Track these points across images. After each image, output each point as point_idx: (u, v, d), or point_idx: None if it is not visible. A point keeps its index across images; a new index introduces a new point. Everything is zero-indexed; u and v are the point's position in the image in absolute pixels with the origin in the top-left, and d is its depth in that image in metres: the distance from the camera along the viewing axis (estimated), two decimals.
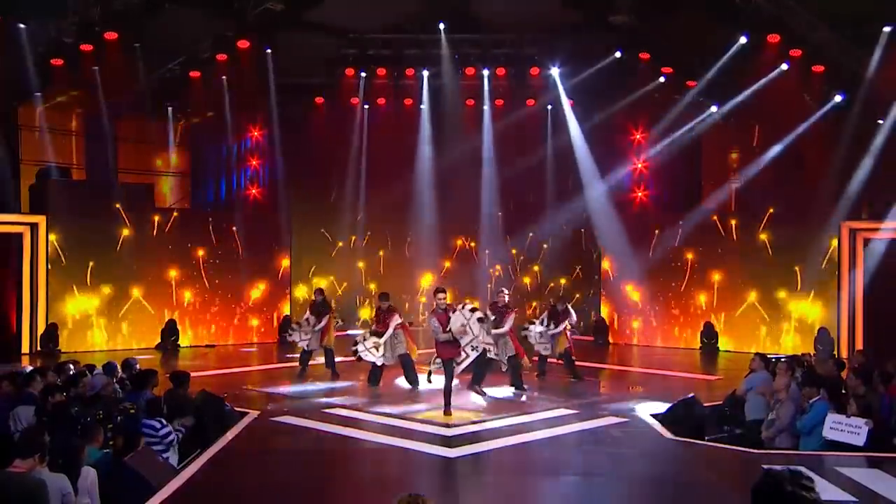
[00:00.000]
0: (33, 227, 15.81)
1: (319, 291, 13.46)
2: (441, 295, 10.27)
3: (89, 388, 8.69)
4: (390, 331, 11.88)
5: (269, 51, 17.44)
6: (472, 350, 10.24)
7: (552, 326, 12.83)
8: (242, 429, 9.10)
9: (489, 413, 10.29)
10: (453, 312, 10.29)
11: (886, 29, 14.33)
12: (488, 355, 11.08)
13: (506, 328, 11.72)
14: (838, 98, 15.86)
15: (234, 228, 17.95)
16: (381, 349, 11.87)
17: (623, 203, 19.24)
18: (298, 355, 13.46)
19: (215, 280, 17.68)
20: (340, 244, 20.67)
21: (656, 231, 17.90)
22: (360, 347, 11.92)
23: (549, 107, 19.44)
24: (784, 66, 15.80)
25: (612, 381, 13.56)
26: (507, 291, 12.87)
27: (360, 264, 20.87)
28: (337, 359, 13.30)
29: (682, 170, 19.05)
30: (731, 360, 15.37)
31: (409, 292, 20.63)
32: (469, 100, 19.46)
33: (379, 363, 11.99)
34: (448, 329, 10.07)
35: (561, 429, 9.39)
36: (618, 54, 17.41)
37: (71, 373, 9.13)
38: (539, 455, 8.50)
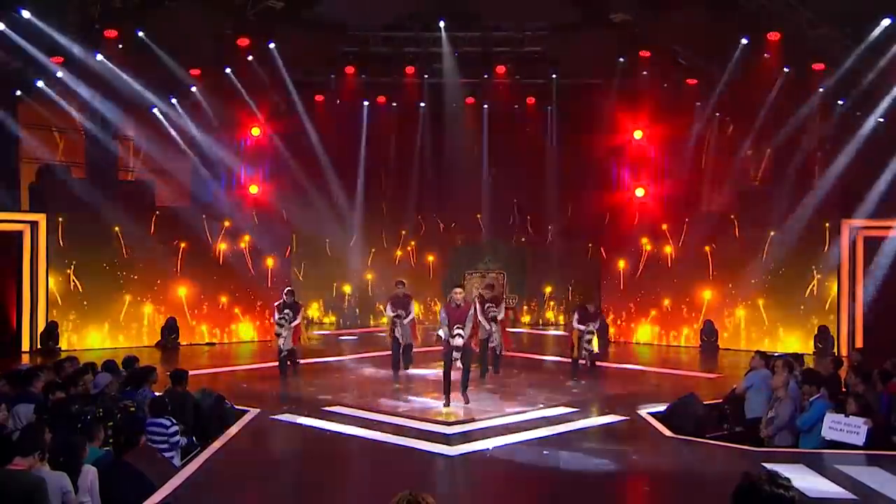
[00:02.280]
0: (33, 226, 15.79)
1: (290, 293, 13.13)
2: (458, 290, 10.56)
3: (93, 386, 8.71)
4: (412, 315, 13.00)
5: (271, 45, 17.41)
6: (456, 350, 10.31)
7: (590, 326, 13.20)
8: (242, 426, 9.11)
9: (489, 411, 10.31)
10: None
11: (886, 22, 14.26)
12: (491, 343, 12.57)
13: (500, 316, 12.83)
14: (840, 103, 15.82)
15: (234, 226, 17.95)
16: (400, 330, 12.81)
17: (623, 201, 19.24)
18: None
19: (215, 278, 17.67)
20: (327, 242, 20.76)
21: (660, 227, 17.91)
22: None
23: (549, 108, 19.45)
24: (785, 69, 15.80)
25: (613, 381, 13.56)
26: (494, 285, 13.66)
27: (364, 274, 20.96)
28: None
29: (683, 167, 19.04)
30: (730, 359, 15.36)
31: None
32: (469, 98, 19.46)
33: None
34: (456, 325, 10.17)
35: (561, 427, 9.39)
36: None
37: (70, 371, 9.12)
38: (539, 453, 8.50)
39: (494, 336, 12.93)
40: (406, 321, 13.08)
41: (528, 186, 20.44)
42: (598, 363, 13.59)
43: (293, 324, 12.58)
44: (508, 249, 20.59)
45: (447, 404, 10.27)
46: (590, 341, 13.04)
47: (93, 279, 16.24)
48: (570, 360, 13.51)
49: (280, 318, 12.52)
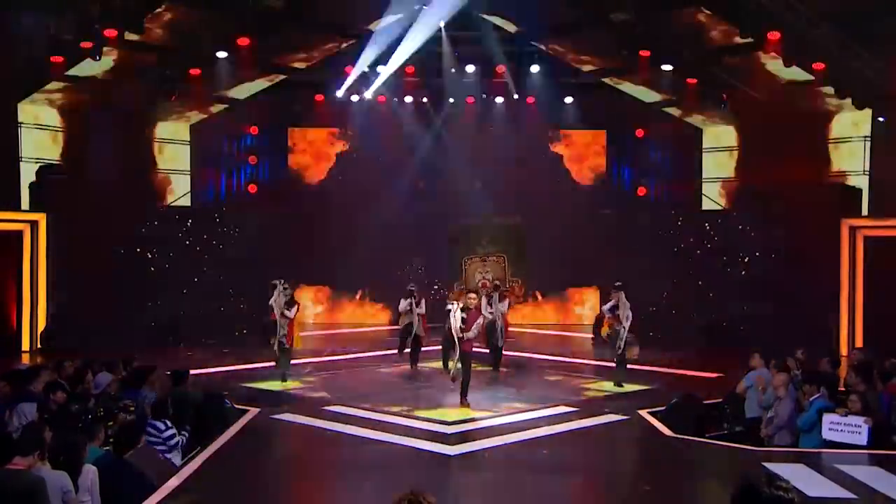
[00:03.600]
0: (33, 225, 15.81)
1: (286, 288, 12.63)
2: (472, 295, 10.87)
3: (94, 386, 8.72)
4: (422, 309, 13.64)
5: (269, 47, 17.41)
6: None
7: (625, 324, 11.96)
8: (243, 426, 9.12)
9: (489, 410, 10.31)
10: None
11: None
12: (493, 338, 13.12)
13: (504, 309, 13.43)
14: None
15: (235, 226, 17.96)
16: (414, 319, 13.51)
17: (624, 200, 19.27)
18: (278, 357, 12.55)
19: (216, 277, 17.66)
20: None
21: (657, 228, 17.92)
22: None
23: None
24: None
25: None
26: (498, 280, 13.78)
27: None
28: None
29: (682, 166, 19.07)
30: (730, 358, 15.32)
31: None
32: (469, 97, 19.47)
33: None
34: (461, 327, 10.25)
35: (561, 426, 9.39)
36: None
37: (71, 370, 9.14)
38: (538, 452, 8.51)
39: (498, 332, 13.23)
40: (417, 311, 13.59)
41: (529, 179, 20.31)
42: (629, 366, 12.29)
43: (289, 316, 12.28)
44: (507, 230, 20.13)
45: (453, 378, 10.41)
46: (628, 344, 11.94)
47: (93, 278, 16.23)
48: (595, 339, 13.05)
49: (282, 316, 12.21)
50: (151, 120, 18.18)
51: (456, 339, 10.22)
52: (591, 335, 15.75)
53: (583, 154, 20.06)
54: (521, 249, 19.53)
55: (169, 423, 7.46)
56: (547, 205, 19.85)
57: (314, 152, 20.20)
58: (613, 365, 12.28)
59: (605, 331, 12.66)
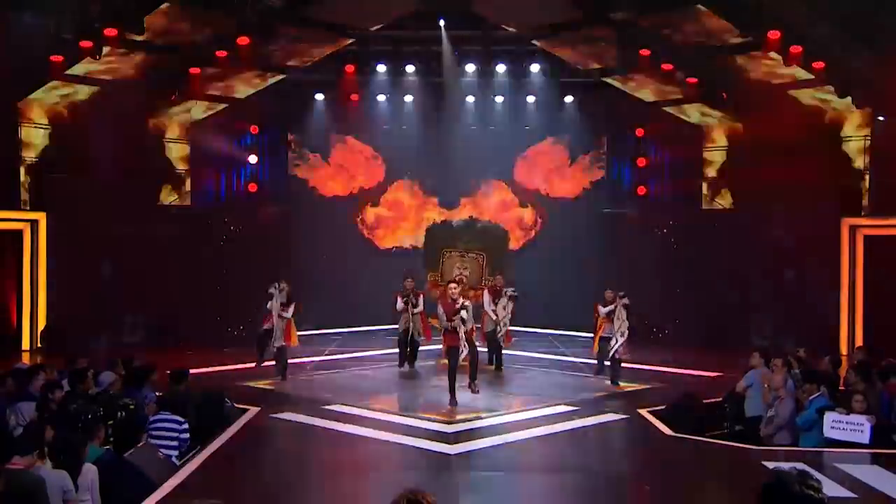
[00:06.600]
0: (33, 224, 15.82)
1: (284, 286, 12.71)
2: (453, 285, 10.63)
3: (97, 384, 8.74)
4: (420, 307, 13.06)
5: (268, 47, 17.42)
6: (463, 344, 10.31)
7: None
8: (242, 425, 9.12)
9: (490, 409, 10.31)
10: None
11: None
12: (498, 334, 12.81)
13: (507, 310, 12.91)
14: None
15: (235, 226, 17.95)
16: (412, 325, 12.91)
17: (624, 200, 19.26)
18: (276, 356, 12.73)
19: (216, 278, 17.65)
20: None
21: (655, 229, 17.91)
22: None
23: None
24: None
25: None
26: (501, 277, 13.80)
27: None
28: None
29: (682, 166, 19.05)
30: (730, 358, 15.33)
31: None
32: (469, 96, 19.48)
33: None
34: (451, 318, 10.22)
35: (561, 425, 9.39)
36: None
37: (72, 370, 9.15)
38: (539, 451, 8.52)
39: (500, 328, 13.01)
40: (416, 311, 13.09)
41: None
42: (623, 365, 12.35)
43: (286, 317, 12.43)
44: (485, 226, 19.97)
45: (454, 403, 10.21)
46: (616, 341, 11.97)
47: (93, 277, 16.24)
48: (594, 359, 12.81)
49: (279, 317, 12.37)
50: (151, 119, 18.15)
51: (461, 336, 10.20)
52: (591, 334, 15.68)
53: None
54: (502, 249, 19.07)
55: (184, 419, 7.55)
56: (547, 204, 19.91)
57: (315, 153, 20.18)
58: (610, 364, 12.32)
59: (595, 347, 12.66)
